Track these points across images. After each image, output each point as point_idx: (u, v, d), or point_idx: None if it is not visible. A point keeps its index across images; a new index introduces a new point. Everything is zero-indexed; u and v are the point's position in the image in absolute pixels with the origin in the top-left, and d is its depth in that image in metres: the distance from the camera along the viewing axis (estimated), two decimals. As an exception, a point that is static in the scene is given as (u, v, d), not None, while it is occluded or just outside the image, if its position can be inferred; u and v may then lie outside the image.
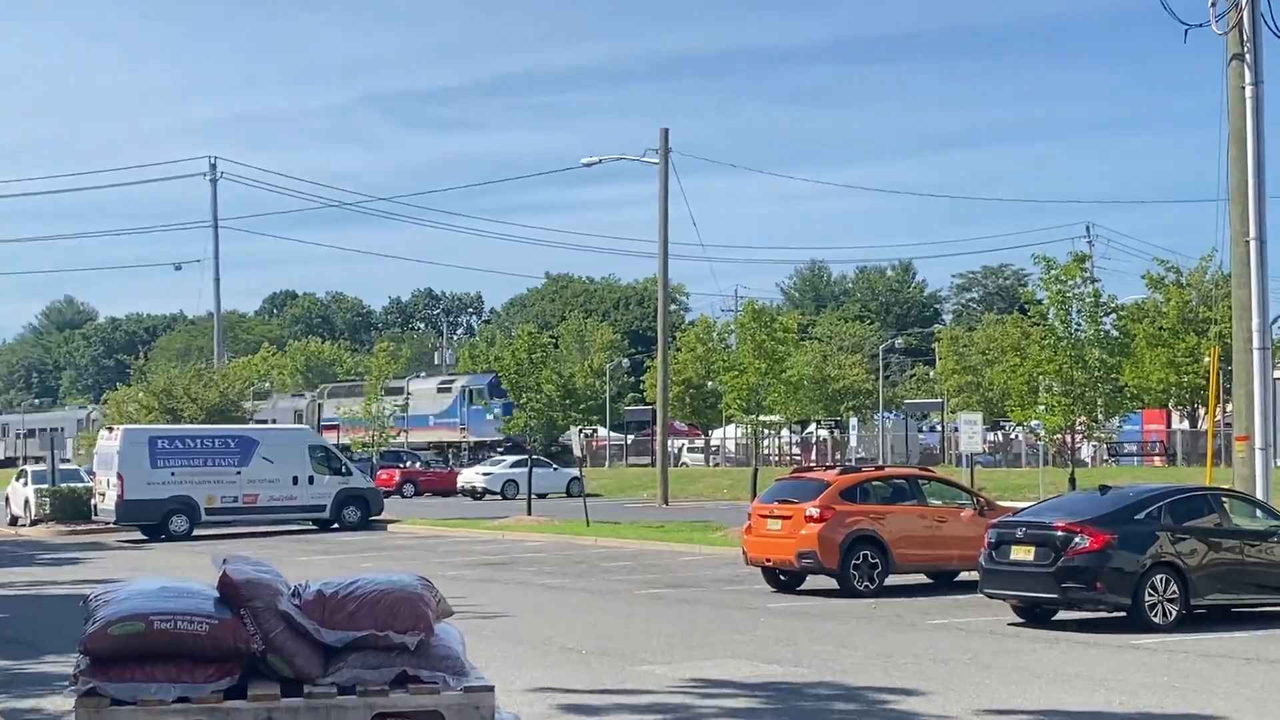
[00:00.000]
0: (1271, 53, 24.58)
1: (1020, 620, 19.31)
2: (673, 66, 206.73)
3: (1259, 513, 20.55)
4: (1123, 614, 18.49)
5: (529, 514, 42.47)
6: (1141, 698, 13.35)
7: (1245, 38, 24.14)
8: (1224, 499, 20.37)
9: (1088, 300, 32.96)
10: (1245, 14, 24.03)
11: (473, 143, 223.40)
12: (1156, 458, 64.01)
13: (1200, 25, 24.48)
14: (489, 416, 74.30)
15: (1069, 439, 35.88)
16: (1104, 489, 20.17)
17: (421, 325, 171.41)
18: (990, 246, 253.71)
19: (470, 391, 78.30)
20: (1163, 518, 18.96)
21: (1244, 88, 24.32)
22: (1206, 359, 45.57)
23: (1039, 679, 14.43)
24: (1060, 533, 18.72)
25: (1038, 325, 34.51)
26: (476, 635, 16.72)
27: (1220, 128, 24.91)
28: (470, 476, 62.33)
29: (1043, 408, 34.15)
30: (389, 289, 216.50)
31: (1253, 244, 24.50)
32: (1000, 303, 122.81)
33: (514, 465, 59.38)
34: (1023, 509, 21.88)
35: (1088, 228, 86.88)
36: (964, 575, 23.01)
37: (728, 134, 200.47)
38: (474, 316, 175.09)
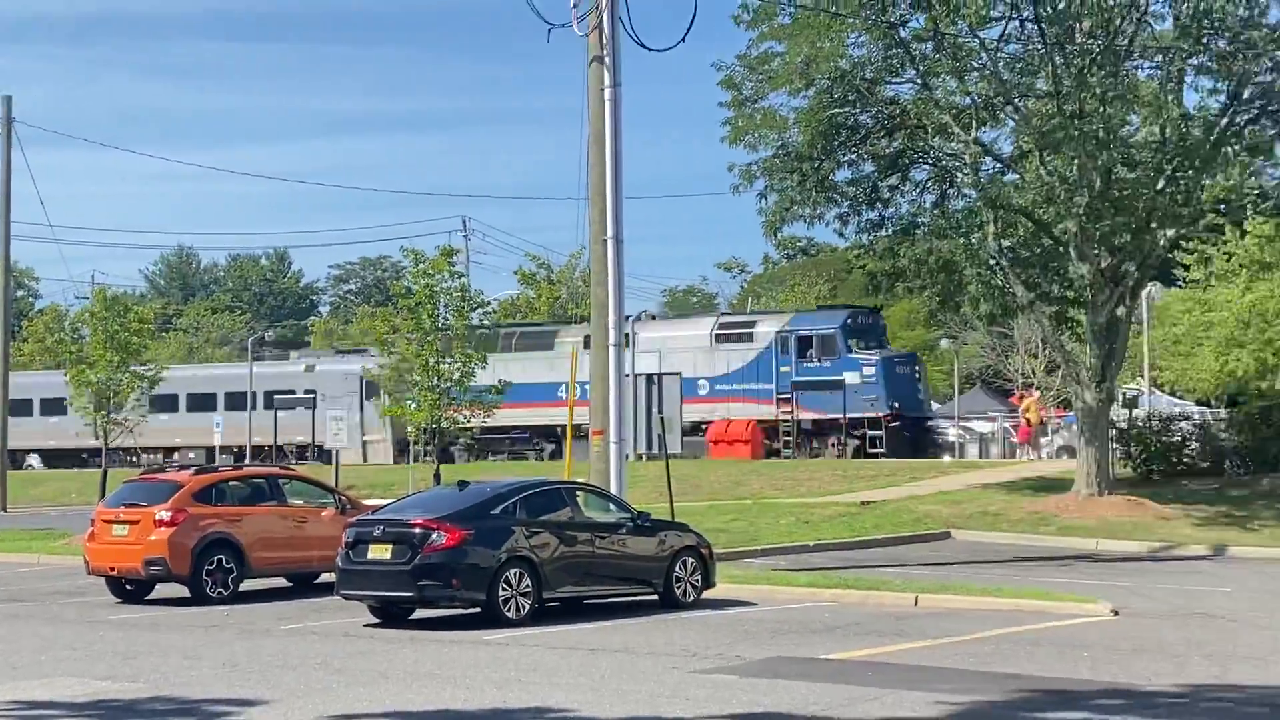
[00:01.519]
0: (630, 57, 25.30)
1: (378, 621, 19.08)
2: (23, 29, 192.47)
3: (611, 506, 21.13)
4: (479, 610, 18.54)
5: None
6: (488, 693, 13.37)
7: (605, 40, 24.75)
8: (578, 493, 20.86)
9: (455, 295, 33.18)
10: (605, 16, 24.62)
11: None
12: (530, 453, 65.51)
13: (564, 25, 24.92)
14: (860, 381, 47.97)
15: (437, 433, 35.97)
16: (462, 484, 20.19)
17: None
18: (369, 238, 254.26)
19: (798, 340, 49.21)
20: (518, 512, 19.14)
21: (604, 90, 24.94)
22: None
23: (389, 680, 14.25)
24: (418, 529, 18.51)
25: (407, 319, 34.43)
26: None
27: (582, 129, 25.47)
28: None
29: (412, 403, 34.09)
30: None
31: (610, 243, 25.17)
32: (378, 295, 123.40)
33: None
34: (384, 506, 21.58)
35: (464, 222, 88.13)
36: (326, 577, 22.53)
37: (89, 107, 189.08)
38: None
